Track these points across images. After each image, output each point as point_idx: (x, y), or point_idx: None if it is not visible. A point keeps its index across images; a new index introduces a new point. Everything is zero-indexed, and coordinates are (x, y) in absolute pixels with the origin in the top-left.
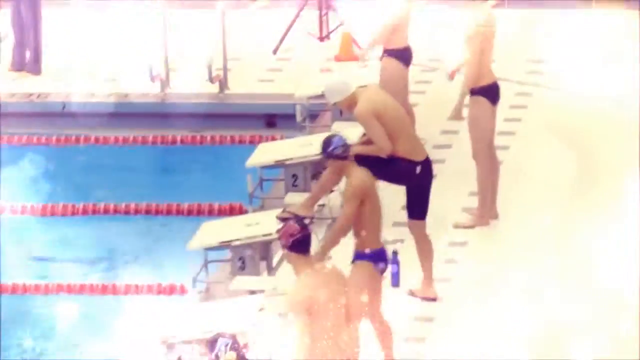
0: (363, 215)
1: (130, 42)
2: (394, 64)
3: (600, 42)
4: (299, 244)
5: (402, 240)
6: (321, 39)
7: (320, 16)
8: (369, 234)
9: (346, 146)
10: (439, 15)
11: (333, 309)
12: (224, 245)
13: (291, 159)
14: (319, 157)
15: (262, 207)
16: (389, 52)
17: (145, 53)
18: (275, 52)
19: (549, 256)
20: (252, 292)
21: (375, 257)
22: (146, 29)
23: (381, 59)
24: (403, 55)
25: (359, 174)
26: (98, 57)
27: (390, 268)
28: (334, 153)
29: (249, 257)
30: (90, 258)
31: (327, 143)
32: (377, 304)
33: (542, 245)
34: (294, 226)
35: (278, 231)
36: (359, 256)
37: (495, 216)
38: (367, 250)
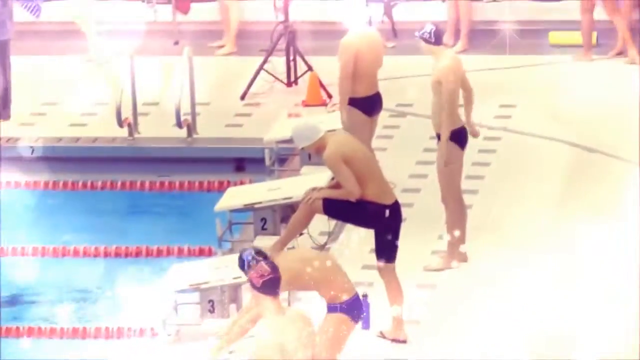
0: (315, 284)
1: (99, 87)
2: (355, 113)
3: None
4: (269, 285)
5: (371, 283)
6: (289, 84)
7: (288, 62)
8: (332, 292)
9: (259, 254)
10: (407, 60)
11: (303, 352)
12: (193, 288)
13: (260, 202)
14: (288, 201)
15: (231, 251)
16: (351, 101)
17: (114, 98)
18: (243, 97)
19: (521, 296)
20: None
21: (347, 309)
22: (114, 74)
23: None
24: (366, 104)
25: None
26: (66, 101)
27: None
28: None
29: (218, 300)
30: (59, 301)
31: (241, 263)
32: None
33: (512, 286)
34: (264, 267)
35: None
36: (330, 308)
37: (464, 259)
38: (344, 298)
